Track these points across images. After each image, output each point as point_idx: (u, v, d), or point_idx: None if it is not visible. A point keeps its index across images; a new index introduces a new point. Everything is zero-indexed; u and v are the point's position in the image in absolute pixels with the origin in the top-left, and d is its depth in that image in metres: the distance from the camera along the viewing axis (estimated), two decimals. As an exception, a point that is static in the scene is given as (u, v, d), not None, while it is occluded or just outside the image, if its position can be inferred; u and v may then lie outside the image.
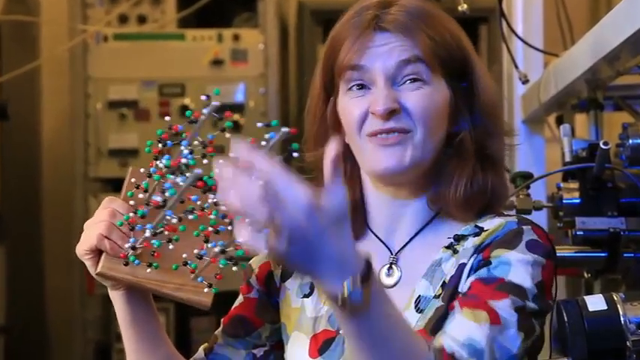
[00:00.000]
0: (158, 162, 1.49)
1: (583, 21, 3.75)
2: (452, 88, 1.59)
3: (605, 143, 2.09)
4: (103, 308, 4.19)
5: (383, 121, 1.55)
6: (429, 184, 1.60)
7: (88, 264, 1.55)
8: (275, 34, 4.43)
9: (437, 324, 1.51)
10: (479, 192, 1.58)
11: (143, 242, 1.51)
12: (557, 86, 2.49)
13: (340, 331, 1.57)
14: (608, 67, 2.16)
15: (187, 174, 1.46)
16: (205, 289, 1.52)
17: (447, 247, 1.58)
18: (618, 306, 1.65)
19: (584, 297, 1.71)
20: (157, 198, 1.48)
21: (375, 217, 1.64)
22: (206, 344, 1.70)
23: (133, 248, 1.51)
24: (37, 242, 4.65)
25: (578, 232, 2.14)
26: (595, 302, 1.67)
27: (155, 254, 1.52)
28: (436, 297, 1.54)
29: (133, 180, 1.55)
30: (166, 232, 1.50)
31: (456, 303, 1.48)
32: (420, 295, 1.56)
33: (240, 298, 1.71)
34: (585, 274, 2.27)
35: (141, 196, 1.52)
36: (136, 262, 1.51)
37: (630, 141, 2.09)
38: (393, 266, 1.61)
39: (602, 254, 2.14)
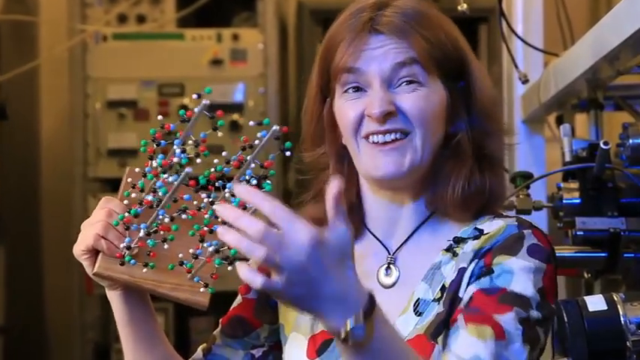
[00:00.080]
0: (153, 161, 1.49)
1: (583, 21, 3.74)
2: (448, 89, 1.58)
3: (606, 143, 2.09)
4: (102, 309, 4.19)
5: (379, 124, 1.54)
6: (427, 186, 1.60)
7: (85, 264, 1.54)
8: (274, 34, 4.42)
9: (437, 329, 1.51)
10: (476, 192, 1.58)
11: (138, 242, 1.51)
12: (557, 86, 2.48)
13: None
14: (609, 67, 2.16)
15: (180, 173, 1.45)
16: (201, 289, 1.52)
17: (447, 250, 1.57)
18: (618, 306, 1.65)
19: (585, 297, 1.71)
20: (150, 197, 1.48)
21: (372, 218, 1.63)
22: (204, 344, 1.70)
23: (129, 248, 1.51)
24: (36, 242, 4.64)
25: (578, 233, 2.14)
26: (595, 302, 1.67)
27: (151, 254, 1.52)
28: (435, 300, 1.54)
29: (129, 180, 1.55)
30: (162, 232, 1.50)
31: (459, 317, 1.48)
32: (419, 298, 1.55)
33: (238, 299, 1.70)
34: (585, 275, 2.27)
35: (135, 195, 1.52)
36: (132, 262, 1.51)
37: (630, 141, 2.08)
38: (391, 266, 1.60)
39: (603, 254, 2.13)
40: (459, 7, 2.44)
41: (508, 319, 1.46)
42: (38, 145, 4.71)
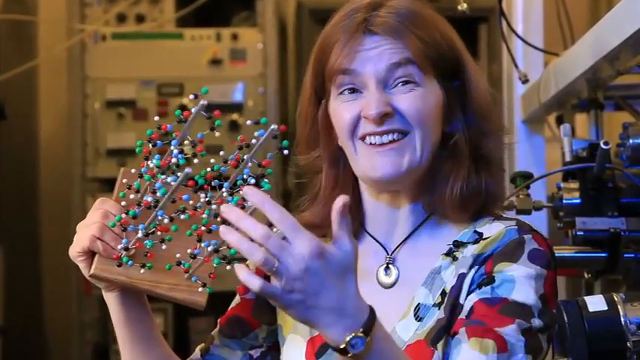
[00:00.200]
0: (149, 162, 1.48)
1: (583, 20, 3.74)
2: (444, 88, 1.58)
3: (606, 143, 2.09)
4: (101, 309, 4.18)
5: (376, 125, 1.53)
6: (425, 187, 1.59)
7: (81, 266, 1.54)
8: (274, 34, 4.42)
9: (437, 335, 1.51)
10: (474, 193, 1.57)
11: (136, 243, 1.50)
12: (558, 86, 2.48)
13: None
14: (609, 67, 2.16)
15: (178, 173, 1.45)
16: (199, 289, 1.51)
17: (447, 255, 1.57)
18: (619, 306, 1.64)
19: (585, 297, 1.71)
20: (148, 198, 1.48)
21: (371, 219, 1.63)
22: (203, 345, 1.69)
23: (126, 249, 1.50)
24: (34, 242, 4.64)
25: (578, 233, 2.13)
26: (595, 303, 1.66)
27: (148, 255, 1.51)
28: (435, 305, 1.54)
29: (124, 181, 1.55)
30: (159, 233, 1.49)
31: (461, 330, 1.47)
32: (419, 304, 1.55)
33: (237, 299, 1.70)
34: (585, 275, 2.27)
35: (132, 196, 1.52)
36: (130, 262, 1.51)
37: (631, 141, 2.08)
38: (390, 266, 1.60)
39: (603, 254, 2.13)
40: (459, 7, 2.44)
41: (510, 331, 1.45)
42: (37, 145, 4.71)
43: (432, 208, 1.59)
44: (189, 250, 1.49)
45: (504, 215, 1.61)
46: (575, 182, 2.20)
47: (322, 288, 1.28)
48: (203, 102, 1.42)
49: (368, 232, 1.63)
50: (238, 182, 1.45)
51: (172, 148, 1.46)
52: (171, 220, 1.48)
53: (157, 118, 1.53)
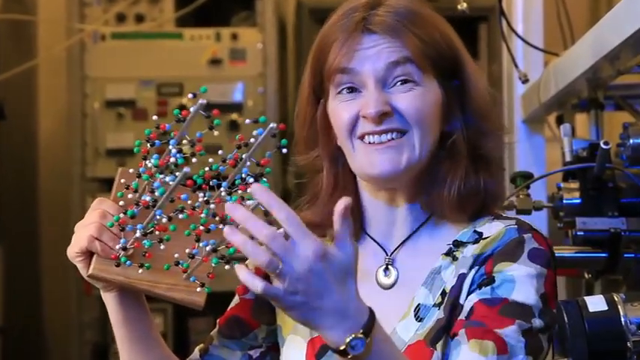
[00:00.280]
0: (147, 162, 1.48)
1: (583, 20, 3.74)
2: (443, 87, 1.57)
3: (606, 143, 2.08)
4: (101, 309, 4.17)
5: (375, 124, 1.53)
6: (424, 187, 1.58)
7: (80, 266, 1.53)
8: (273, 33, 4.41)
9: (436, 335, 1.50)
10: (472, 193, 1.56)
11: (134, 243, 1.50)
12: (558, 86, 2.48)
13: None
14: (609, 67, 2.15)
15: (177, 173, 1.44)
16: (198, 289, 1.51)
17: (447, 254, 1.56)
18: (619, 307, 1.64)
19: (585, 297, 1.71)
20: (147, 198, 1.47)
21: (370, 220, 1.62)
22: (202, 345, 1.68)
23: (124, 249, 1.50)
24: (34, 242, 4.64)
25: (578, 233, 2.13)
26: (595, 303, 1.66)
27: (147, 255, 1.51)
28: (436, 306, 1.53)
29: (122, 180, 1.54)
30: (157, 232, 1.49)
31: (461, 332, 1.47)
32: (419, 304, 1.54)
33: (236, 299, 1.69)
34: (586, 275, 2.27)
35: (130, 196, 1.51)
36: (128, 262, 1.50)
37: (631, 141, 2.08)
38: (390, 267, 1.59)
39: (603, 255, 2.13)
40: (459, 6, 2.44)
41: (510, 332, 1.45)
42: (36, 145, 4.71)
43: (431, 208, 1.59)
44: (187, 250, 1.49)
45: (504, 214, 1.61)
46: (576, 182, 2.20)
47: (325, 290, 1.28)
48: (202, 101, 1.41)
49: (367, 233, 1.62)
50: (237, 182, 1.44)
51: (171, 147, 1.45)
52: (170, 219, 1.48)
53: (155, 117, 1.52)
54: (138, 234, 1.49)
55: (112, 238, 1.51)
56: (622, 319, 1.64)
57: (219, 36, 4.39)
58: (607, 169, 2.13)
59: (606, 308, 1.66)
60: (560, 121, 2.80)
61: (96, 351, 4.34)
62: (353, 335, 1.29)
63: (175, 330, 4.24)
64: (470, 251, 1.54)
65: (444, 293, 1.53)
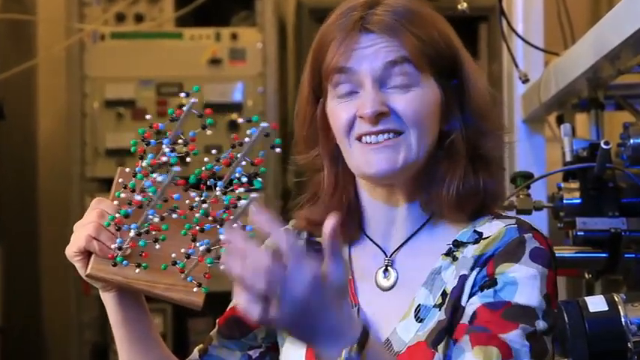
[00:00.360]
0: (142, 161, 1.48)
1: (584, 20, 3.74)
2: (442, 87, 1.57)
3: (606, 143, 2.08)
4: (100, 309, 4.15)
5: (371, 124, 1.52)
6: (422, 186, 1.58)
7: (78, 266, 1.53)
8: (273, 33, 4.41)
9: (437, 337, 1.50)
10: (471, 193, 1.56)
11: (130, 242, 1.50)
12: (558, 85, 2.48)
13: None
14: (609, 66, 2.15)
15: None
16: (195, 289, 1.51)
17: (447, 255, 1.56)
18: (619, 307, 1.64)
19: (585, 298, 1.70)
20: (138, 197, 1.47)
21: (369, 220, 1.62)
22: (201, 345, 1.68)
23: (120, 249, 1.50)
24: (33, 242, 4.63)
25: (578, 233, 2.13)
26: (596, 303, 1.66)
27: (143, 254, 1.50)
28: (436, 306, 1.53)
29: (120, 180, 1.54)
30: (154, 232, 1.49)
31: (465, 338, 1.46)
32: (420, 305, 1.54)
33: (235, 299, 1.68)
34: (586, 275, 2.26)
35: (124, 195, 1.51)
36: (125, 262, 1.50)
37: (631, 140, 2.08)
38: (389, 268, 1.59)
39: (603, 255, 2.13)
40: (459, 6, 2.44)
41: (514, 336, 1.45)
42: (36, 144, 4.70)
43: (429, 207, 1.58)
44: (182, 250, 1.49)
45: (504, 214, 1.60)
46: (576, 182, 2.19)
47: (322, 311, 1.28)
48: (193, 100, 1.41)
49: (366, 234, 1.62)
50: (234, 181, 1.44)
51: (164, 146, 1.45)
52: (162, 219, 1.48)
53: (148, 116, 1.52)
54: (132, 233, 1.49)
55: (109, 237, 1.51)
56: (622, 320, 1.63)
57: (218, 36, 4.39)
58: (607, 169, 2.12)
59: (607, 308, 1.66)
60: (560, 120, 2.80)
61: (95, 351, 4.33)
62: (348, 349, 1.29)
63: (175, 330, 4.24)
64: (470, 252, 1.54)
65: (444, 294, 1.53)
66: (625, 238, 2.10)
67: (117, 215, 1.50)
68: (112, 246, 1.50)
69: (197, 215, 1.47)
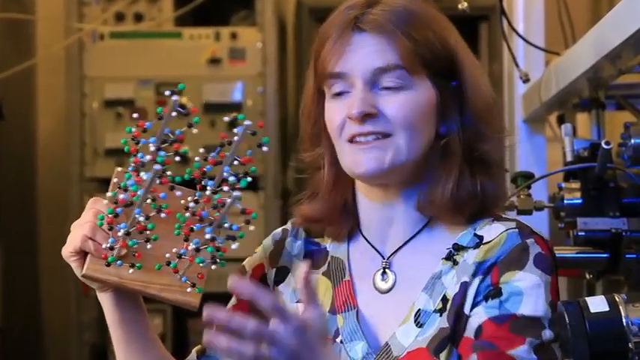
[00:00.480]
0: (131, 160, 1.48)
1: (584, 19, 3.73)
2: (439, 88, 1.55)
3: (607, 143, 2.07)
4: (99, 309, 4.13)
5: (359, 124, 1.52)
6: (418, 186, 1.57)
7: (74, 265, 1.54)
8: (273, 33, 4.40)
9: (440, 344, 1.49)
10: (468, 196, 1.55)
11: (121, 242, 1.49)
12: (559, 85, 2.47)
13: (337, 339, 1.54)
14: (610, 66, 2.15)
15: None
16: (188, 289, 1.50)
17: (447, 259, 1.55)
18: (620, 307, 1.63)
19: (586, 298, 1.69)
20: (122, 196, 1.47)
21: (365, 222, 1.61)
22: (199, 346, 1.68)
23: (112, 248, 1.49)
24: (32, 242, 4.63)
25: (579, 233, 2.12)
26: (597, 304, 1.65)
27: (136, 254, 1.50)
28: (436, 311, 1.52)
29: (115, 180, 1.54)
30: (147, 232, 1.49)
31: (473, 356, 1.46)
32: (419, 309, 1.53)
33: (233, 300, 1.69)
34: (587, 275, 2.26)
35: (122, 196, 1.51)
36: (119, 262, 1.50)
37: (632, 140, 2.07)
38: (387, 271, 1.58)
39: (604, 255, 2.12)
40: (460, 6, 2.44)
41: (522, 352, 1.45)
42: (35, 144, 4.70)
43: (425, 209, 1.57)
44: (174, 250, 1.49)
45: (504, 215, 1.59)
46: (577, 182, 2.19)
47: (311, 353, 1.35)
48: (174, 98, 1.42)
49: (362, 235, 1.61)
50: (229, 180, 1.44)
51: (151, 145, 1.45)
52: (148, 218, 1.47)
53: (135, 115, 1.52)
54: (121, 233, 1.48)
55: (105, 237, 1.51)
56: (623, 320, 1.62)
57: (218, 35, 4.38)
58: (608, 169, 2.12)
59: (608, 309, 1.65)
60: (561, 120, 2.79)
61: (95, 351, 4.33)
62: None
63: (174, 330, 4.23)
64: (471, 257, 1.53)
65: (444, 299, 1.52)
66: (626, 238, 2.09)
67: (107, 215, 1.50)
68: (104, 245, 1.50)
69: (187, 214, 1.47)
